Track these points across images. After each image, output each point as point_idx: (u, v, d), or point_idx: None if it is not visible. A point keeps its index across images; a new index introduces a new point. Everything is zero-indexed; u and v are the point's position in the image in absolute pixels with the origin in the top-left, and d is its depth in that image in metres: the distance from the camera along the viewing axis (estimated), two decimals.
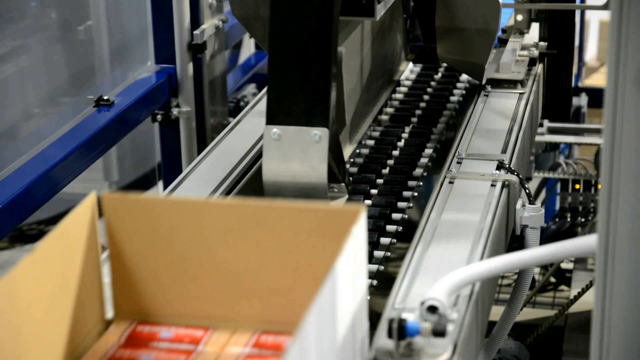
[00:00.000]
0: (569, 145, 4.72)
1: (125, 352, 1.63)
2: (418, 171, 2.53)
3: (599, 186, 3.13)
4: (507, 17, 3.26)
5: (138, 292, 1.70)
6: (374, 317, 1.70)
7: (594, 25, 6.32)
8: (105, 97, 3.11)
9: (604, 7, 2.98)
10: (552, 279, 4.11)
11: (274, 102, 2.09)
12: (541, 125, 4.20)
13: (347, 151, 2.57)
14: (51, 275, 1.55)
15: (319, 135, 2.06)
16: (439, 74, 3.18)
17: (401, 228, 2.28)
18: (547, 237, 4.06)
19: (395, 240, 2.23)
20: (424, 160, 2.59)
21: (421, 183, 2.49)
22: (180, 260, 1.67)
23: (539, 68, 3.06)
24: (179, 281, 1.68)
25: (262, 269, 1.64)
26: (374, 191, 2.41)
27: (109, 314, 1.73)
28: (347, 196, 2.25)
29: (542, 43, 3.09)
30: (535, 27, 3.17)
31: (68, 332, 1.59)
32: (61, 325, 1.58)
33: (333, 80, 2.08)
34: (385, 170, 2.54)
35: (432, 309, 1.66)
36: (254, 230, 1.62)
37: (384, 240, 2.22)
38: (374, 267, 2.13)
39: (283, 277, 1.63)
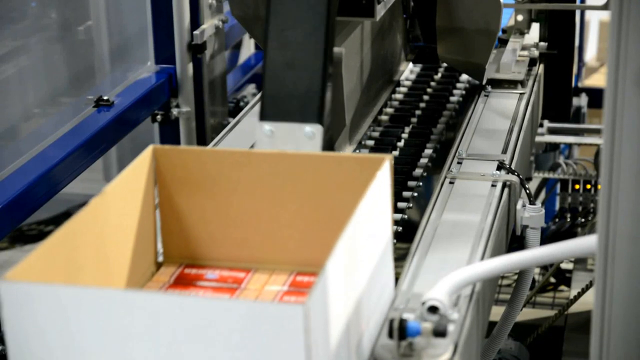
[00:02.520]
0: (569, 146, 4.71)
1: (175, 291, 1.76)
2: (418, 171, 2.53)
3: (599, 186, 3.13)
4: (508, 18, 3.26)
5: (185, 238, 1.85)
6: None
7: (594, 25, 6.32)
8: (105, 97, 3.11)
9: (604, 7, 2.98)
10: (552, 279, 4.11)
11: (267, 99, 2.07)
12: (541, 125, 4.20)
13: (347, 151, 2.57)
14: (113, 219, 1.66)
15: (312, 131, 2.04)
16: (439, 74, 3.18)
17: (401, 228, 2.27)
18: (547, 237, 4.05)
19: (395, 241, 2.23)
20: (423, 161, 2.58)
21: (421, 183, 2.48)
22: (224, 208, 1.80)
23: (539, 68, 3.06)
24: (223, 227, 1.82)
25: (298, 215, 1.78)
26: None
27: (160, 257, 1.86)
28: None
29: (542, 43, 3.09)
30: (535, 27, 3.17)
31: (127, 272, 1.73)
32: (120, 265, 1.71)
33: (327, 76, 2.06)
34: None
35: (433, 309, 1.66)
36: (292, 177, 1.76)
37: None
38: None
39: (317, 223, 1.77)
